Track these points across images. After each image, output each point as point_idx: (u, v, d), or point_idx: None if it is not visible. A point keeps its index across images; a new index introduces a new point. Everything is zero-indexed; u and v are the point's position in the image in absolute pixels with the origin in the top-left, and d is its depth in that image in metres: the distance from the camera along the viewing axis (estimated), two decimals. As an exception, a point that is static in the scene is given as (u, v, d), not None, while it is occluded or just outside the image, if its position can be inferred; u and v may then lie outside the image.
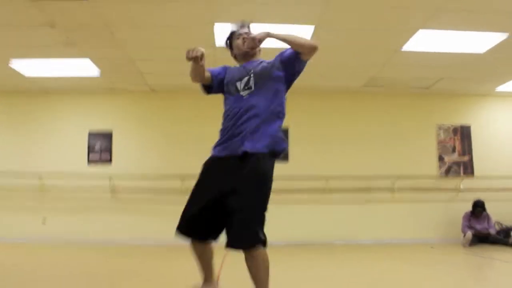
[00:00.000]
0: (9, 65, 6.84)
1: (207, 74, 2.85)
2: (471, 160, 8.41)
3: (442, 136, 8.46)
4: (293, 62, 2.86)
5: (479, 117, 8.68)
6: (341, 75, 7.52)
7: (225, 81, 2.88)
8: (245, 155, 2.64)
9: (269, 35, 2.78)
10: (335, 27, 5.64)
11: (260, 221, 2.60)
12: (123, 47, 6.27)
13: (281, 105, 2.84)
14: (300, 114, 8.32)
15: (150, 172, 7.97)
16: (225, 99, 2.88)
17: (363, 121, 8.44)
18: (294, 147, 8.18)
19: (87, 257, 6.26)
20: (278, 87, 2.84)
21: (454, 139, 8.46)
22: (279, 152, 2.77)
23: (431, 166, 8.38)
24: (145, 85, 7.90)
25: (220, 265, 5.03)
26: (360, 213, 8.10)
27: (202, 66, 2.71)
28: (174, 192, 7.71)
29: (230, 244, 2.57)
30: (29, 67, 7.09)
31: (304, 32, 5.48)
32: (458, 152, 8.42)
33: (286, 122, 8.86)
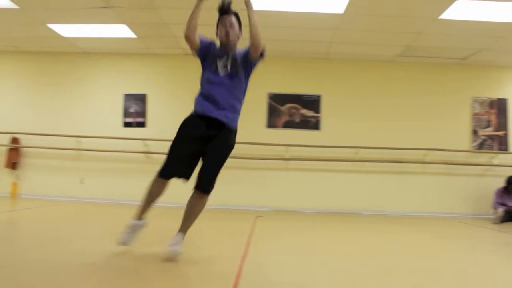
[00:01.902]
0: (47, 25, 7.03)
1: (197, 39, 3.31)
2: (506, 135, 8.21)
3: (477, 109, 8.27)
4: (249, 61, 3.33)
5: (518, 90, 8.42)
6: (375, 43, 7.40)
7: (209, 55, 3.35)
8: (218, 122, 3.23)
9: (247, 4, 3.16)
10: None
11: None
12: (158, 11, 6.35)
13: (243, 92, 3.38)
14: (332, 83, 8.29)
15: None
16: (204, 68, 3.38)
17: (396, 91, 8.31)
18: (325, 116, 8.20)
19: (122, 215, 6.53)
20: (244, 75, 3.35)
21: (489, 112, 8.26)
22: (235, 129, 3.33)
23: (464, 139, 8.23)
24: (179, 49, 7.98)
25: (248, 235, 5.18)
26: (389, 184, 8.09)
27: (199, 12, 3.26)
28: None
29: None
30: (67, 29, 7.27)
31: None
32: (493, 126, 8.23)
33: (318, 90, 8.85)
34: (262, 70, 9.01)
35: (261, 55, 3.34)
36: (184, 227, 3.28)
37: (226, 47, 3.33)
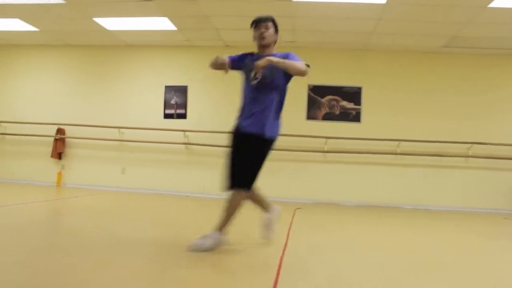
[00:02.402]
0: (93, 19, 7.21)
1: (227, 65, 3.43)
2: (556, 128, 7.85)
3: (526, 102, 7.93)
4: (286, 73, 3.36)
5: None
6: (419, 33, 7.20)
7: (242, 68, 3.50)
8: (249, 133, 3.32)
9: (270, 61, 3.16)
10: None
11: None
12: (199, 4, 6.39)
13: (278, 101, 3.41)
14: (373, 74, 8.15)
15: (224, 127, 8.17)
16: (242, 80, 3.51)
17: (440, 84, 8.07)
18: (366, 108, 8.08)
19: (163, 205, 6.65)
20: (278, 85, 3.39)
21: (540, 105, 7.91)
22: (270, 138, 3.34)
23: (510, 133, 7.90)
24: (220, 41, 8.02)
25: (289, 223, 5.17)
26: (431, 178, 7.91)
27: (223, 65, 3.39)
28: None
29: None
30: (112, 22, 7.43)
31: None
32: (543, 119, 7.88)
33: (359, 82, 8.72)
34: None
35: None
36: (217, 225, 3.32)
37: (262, 50, 3.44)
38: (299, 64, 3.25)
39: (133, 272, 2.59)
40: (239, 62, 3.51)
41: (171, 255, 3.09)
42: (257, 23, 3.43)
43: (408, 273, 2.93)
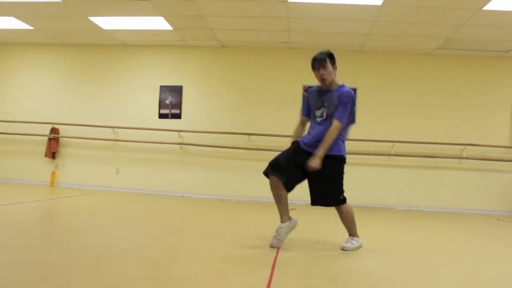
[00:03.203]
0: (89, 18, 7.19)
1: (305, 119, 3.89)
2: (550, 130, 7.90)
3: (519, 103, 7.97)
4: None
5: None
6: (414, 35, 7.23)
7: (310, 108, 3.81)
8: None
9: (320, 158, 3.46)
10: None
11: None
12: (195, 3, 6.38)
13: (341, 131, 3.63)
14: (368, 76, 8.17)
15: (218, 127, 8.19)
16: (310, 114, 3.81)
17: (434, 85, 8.10)
18: (361, 109, 8.09)
19: (158, 205, 6.64)
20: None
21: (532, 107, 7.95)
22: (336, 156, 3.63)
23: (504, 135, 7.96)
24: (216, 41, 8.01)
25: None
26: (424, 179, 7.94)
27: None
28: (241, 148, 7.94)
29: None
30: (107, 22, 7.41)
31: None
32: (536, 121, 7.93)
33: (353, 83, 8.75)
34: (297, 62, 8.95)
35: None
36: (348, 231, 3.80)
37: (324, 87, 3.67)
38: (333, 132, 3.51)
39: (124, 272, 2.58)
40: (307, 107, 3.83)
41: (164, 254, 3.09)
42: (314, 64, 3.63)
43: (403, 273, 2.94)
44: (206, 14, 6.81)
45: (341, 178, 3.73)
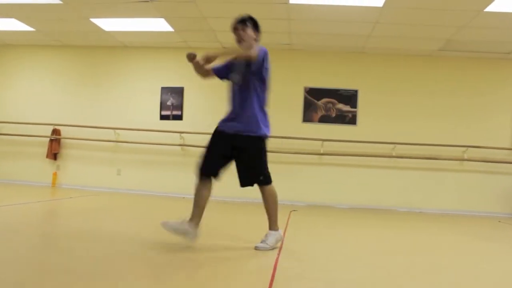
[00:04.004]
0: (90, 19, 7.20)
1: (211, 74, 3.68)
2: (551, 132, 7.89)
3: (521, 106, 7.96)
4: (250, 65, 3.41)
5: None
6: (415, 37, 7.23)
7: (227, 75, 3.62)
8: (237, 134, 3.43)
9: (216, 54, 3.36)
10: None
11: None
12: (196, 5, 6.39)
13: (257, 98, 3.47)
14: (370, 77, 8.18)
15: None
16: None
17: (436, 87, 8.10)
18: (362, 111, 8.10)
19: (158, 206, 6.64)
20: (254, 84, 3.45)
21: (534, 110, 7.94)
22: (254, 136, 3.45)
23: (505, 137, 7.94)
24: (217, 42, 8.02)
25: (285, 223, 5.17)
26: (426, 181, 7.93)
27: (199, 64, 3.51)
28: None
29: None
30: (108, 23, 7.42)
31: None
32: (538, 123, 7.92)
33: (355, 85, 8.69)
34: (298, 64, 8.96)
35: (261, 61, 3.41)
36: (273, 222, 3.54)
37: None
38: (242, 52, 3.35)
39: (126, 274, 2.58)
40: (222, 70, 3.65)
41: (165, 257, 3.08)
42: (235, 25, 3.51)
43: (405, 275, 2.94)
44: (207, 16, 6.82)
45: (262, 157, 3.50)
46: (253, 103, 3.43)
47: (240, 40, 3.47)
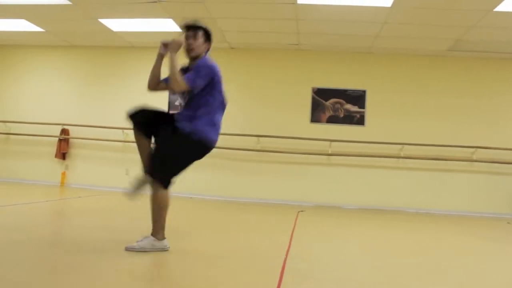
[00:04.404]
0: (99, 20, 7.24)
1: (160, 86, 3.54)
2: (562, 133, 7.82)
3: (531, 106, 7.90)
4: None
5: None
6: (423, 37, 7.20)
7: None
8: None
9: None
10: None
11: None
12: (204, 5, 6.40)
13: (196, 105, 3.35)
14: (378, 78, 8.16)
15: (227, 129, 8.16)
16: None
17: (444, 87, 8.06)
18: (370, 111, 8.08)
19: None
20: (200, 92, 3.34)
21: (545, 110, 7.88)
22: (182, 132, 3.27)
23: (516, 137, 7.89)
24: (225, 43, 8.03)
25: (292, 226, 5.17)
26: (434, 182, 7.89)
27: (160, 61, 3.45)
28: (250, 150, 7.93)
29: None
30: (117, 24, 7.46)
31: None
32: (548, 124, 7.85)
33: (363, 85, 8.68)
34: (306, 64, 8.96)
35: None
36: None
37: (190, 61, 3.38)
38: (174, 78, 3.20)
39: (131, 271, 2.59)
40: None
41: (172, 256, 3.09)
42: (187, 30, 3.36)
43: (414, 276, 2.93)
44: (216, 16, 6.83)
45: (172, 154, 3.22)
46: (200, 106, 3.34)
47: (189, 49, 3.33)
